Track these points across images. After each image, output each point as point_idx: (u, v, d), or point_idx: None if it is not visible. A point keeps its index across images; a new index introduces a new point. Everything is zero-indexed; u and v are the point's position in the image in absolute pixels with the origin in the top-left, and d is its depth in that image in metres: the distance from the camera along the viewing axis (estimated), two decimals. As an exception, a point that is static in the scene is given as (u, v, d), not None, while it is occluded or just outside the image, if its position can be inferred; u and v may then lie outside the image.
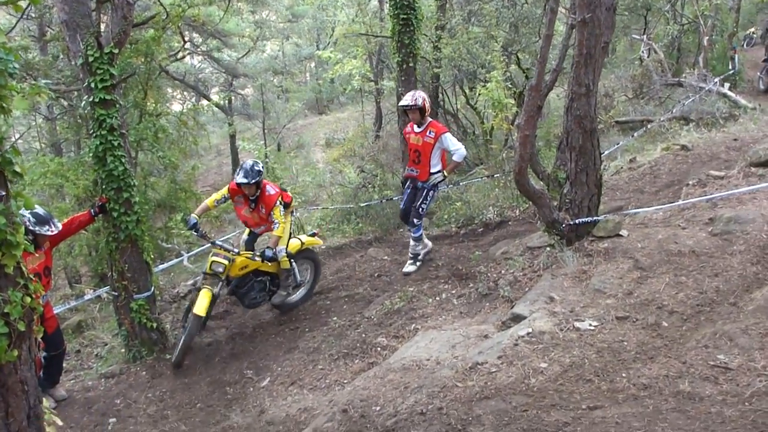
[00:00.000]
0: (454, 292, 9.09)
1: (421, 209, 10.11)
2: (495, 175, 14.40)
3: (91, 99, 8.54)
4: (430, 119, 9.97)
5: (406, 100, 9.90)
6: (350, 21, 24.04)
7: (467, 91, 20.89)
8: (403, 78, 14.11)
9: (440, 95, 20.25)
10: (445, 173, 10.17)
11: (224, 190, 9.55)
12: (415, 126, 10.03)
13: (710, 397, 4.96)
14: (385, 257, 11.71)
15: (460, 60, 18.70)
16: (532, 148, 9.75)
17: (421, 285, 9.70)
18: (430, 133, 9.86)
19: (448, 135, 9.99)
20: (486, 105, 18.50)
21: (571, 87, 8.01)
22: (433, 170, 9.96)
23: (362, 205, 14.53)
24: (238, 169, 9.32)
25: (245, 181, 9.02)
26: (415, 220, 10.14)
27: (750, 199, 8.66)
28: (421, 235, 10.42)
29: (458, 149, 9.87)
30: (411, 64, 14.07)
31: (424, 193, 10.03)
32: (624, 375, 5.51)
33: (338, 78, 29.20)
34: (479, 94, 16.29)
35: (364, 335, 8.51)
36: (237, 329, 10.03)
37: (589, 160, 7.93)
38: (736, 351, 5.49)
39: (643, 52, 24.37)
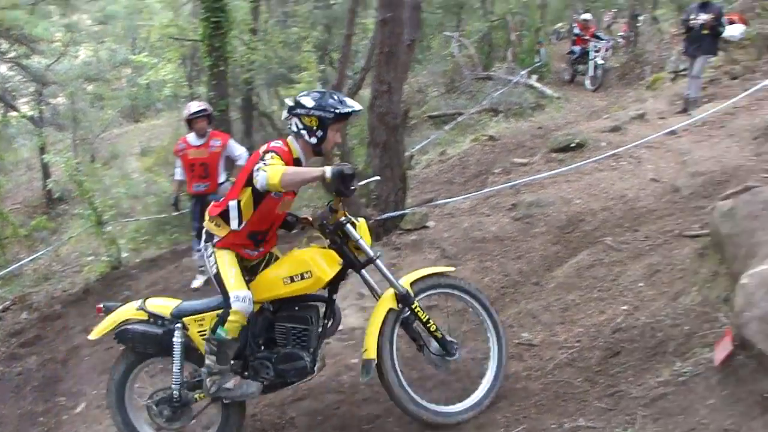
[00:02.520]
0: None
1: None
2: (312, 175, 14.47)
3: None
4: (209, 129, 9.61)
5: (197, 107, 9.51)
6: (164, 24, 23.47)
7: (282, 92, 20.91)
8: (213, 82, 13.94)
9: (254, 98, 20.19)
10: (233, 180, 10.02)
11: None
12: (190, 139, 9.60)
13: (516, 374, 5.21)
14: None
15: (272, 63, 18.67)
16: (343, 147, 9.88)
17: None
18: (214, 142, 9.52)
19: (233, 140, 9.83)
20: (301, 106, 18.55)
21: (373, 85, 8.17)
22: (221, 180, 9.68)
23: (175, 214, 14.09)
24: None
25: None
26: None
27: (550, 183, 9.11)
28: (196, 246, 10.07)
29: (242, 152, 9.64)
30: (222, 68, 13.92)
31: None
32: (436, 362, 5.67)
33: (153, 84, 28.46)
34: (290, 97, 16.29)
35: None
36: (48, 354, 9.39)
37: (393, 155, 8.11)
38: (539, 327, 5.80)
39: (454, 48, 25.13)
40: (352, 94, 10.53)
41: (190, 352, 4.90)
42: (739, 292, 4.12)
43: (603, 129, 11.37)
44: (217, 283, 4.77)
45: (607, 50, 21.06)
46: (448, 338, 4.99)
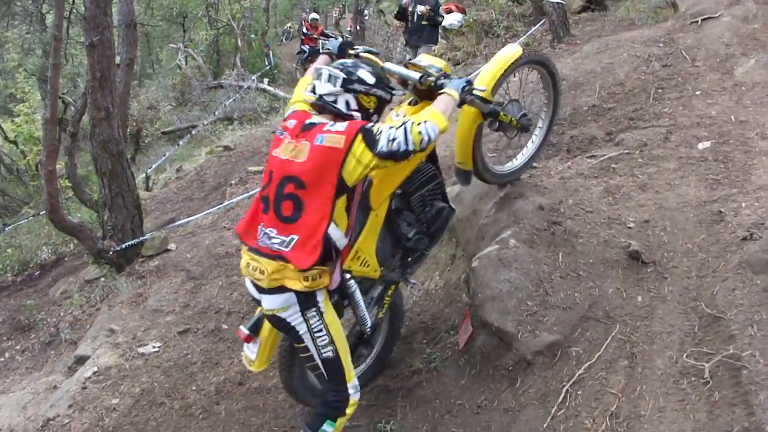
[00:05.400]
0: (18, 347, 8.45)
1: None
2: (41, 213, 13.69)
3: None
4: None
5: None
6: None
7: (6, 125, 19.63)
8: None
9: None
10: None
11: None
12: None
13: (274, 387, 5.15)
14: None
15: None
16: (74, 178, 9.38)
17: (-17, 350, 8.90)
18: None
19: None
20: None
21: (90, 113, 7.79)
22: None
23: None
24: None
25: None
26: None
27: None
28: None
29: None
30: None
31: None
32: (194, 388, 5.58)
33: None
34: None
35: (-70, 419, 7.56)
36: None
37: (122, 182, 7.81)
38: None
39: (180, 59, 24.68)
40: (76, 122, 9.97)
41: None
42: (472, 275, 4.32)
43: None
44: (328, 364, 3.77)
45: (335, 47, 21.41)
46: (527, 118, 4.75)
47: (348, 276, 3.96)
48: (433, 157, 4.39)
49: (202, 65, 23.31)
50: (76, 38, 18.08)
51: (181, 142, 16.40)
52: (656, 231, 4.51)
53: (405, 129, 3.42)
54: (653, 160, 5.64)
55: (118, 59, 8.68)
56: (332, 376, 3.76)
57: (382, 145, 3.42)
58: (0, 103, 18.40)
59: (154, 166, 14.47)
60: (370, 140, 3.43)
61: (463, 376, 4.24)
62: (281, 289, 3.57)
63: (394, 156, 3.45)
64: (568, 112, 7.73)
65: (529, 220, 4.58)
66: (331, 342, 3.67)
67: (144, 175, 13.56)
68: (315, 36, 20.89)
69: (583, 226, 4.56)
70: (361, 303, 4.09)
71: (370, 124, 3.52)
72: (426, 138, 3.45)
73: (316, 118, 3.64)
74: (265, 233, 3.63)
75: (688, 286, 4.04)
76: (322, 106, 3.67)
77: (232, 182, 10.56)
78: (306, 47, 21.52)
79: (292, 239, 3.51)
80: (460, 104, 3.94)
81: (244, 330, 4.02)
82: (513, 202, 4.79)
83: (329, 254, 3.58)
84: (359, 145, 3.41)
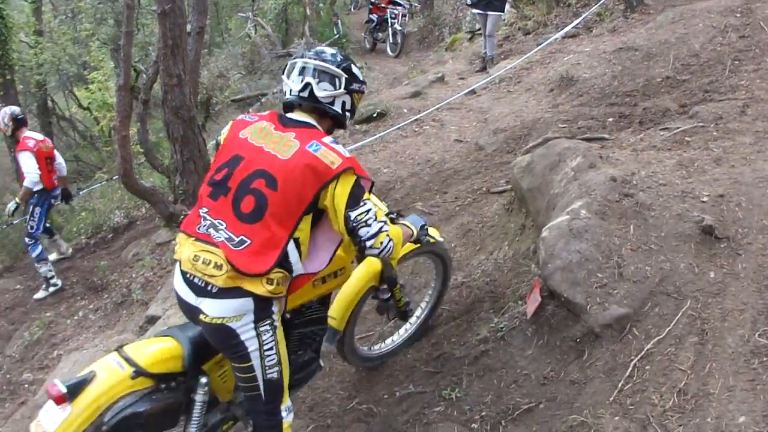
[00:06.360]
0: (91, 307, 8.69)
1: (29, 227, 9.09)
2: (114, 178, 13.96)
3: None
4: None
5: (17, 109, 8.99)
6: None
7: (80, 93, 20.08)
8: (1, 93, 13.16)
9: (50, 102, 19.27)
10: (17, 201, 9.19)
11: None
12: (35, 135, 9.06)
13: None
14: (18, 286, 10.78)
15: (63, 62, 17.87)
16: (146, 144, 9.54)
17: (58, 307, 9.11)
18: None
19: (24, 154, 8.66)
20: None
21: (162, 79, 7.92)
22: None
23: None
24: None
25: None
26: (26, 240, 9.15)
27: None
28: (40, 254, 9.33)
29: (28, 173, 8.60)
30: (8, 77, 13.18)
31: (30, 210, 9.08)
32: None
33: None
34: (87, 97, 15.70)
35: (8, 375, 7.80)
36: None
37: (193, 148, 7.94)
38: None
39: (249, 28, 24.79)
40: (147, 89, 10.15)
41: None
42: (541, 244, 4.29)
43: (404, 95, 11.49)
44: (270, 386, 3.23)
45: (404, 16, 21.26)
46: (410, 307, 4.50)
47: (204, 380, 3.33)
48: (324, 301, 3.81)
49: (270, 34, 23.35)
50: (148, 7, 18.33)
51: (250, 110, 16.50)
52: (731, 206, 4.41)
53: (380, 228, 3.07)
54: (729, 134, 5.50)
55: (188, 27, 8.76)
56: (270, 398, 3.26)
57: (358, 214, 3.01)
58: (75, 71, 18.72)
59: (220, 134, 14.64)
60: (355, 196, 3.02)
61: (530, 347, 4.21)
62: (237, 292, 2.99)
63: (352, 236, 3.05)
64: (641, 84, 7.58)
65: (601, 191, 4.52)
66: (279, 362, 3.20)
67: (214, 141, 13.65)
68: (383, 5, 20.70)
69: (656, 199, 4.48)
70: (197, 419, 3.35)
71: (364, 181, 3.08)
72: (380, 252, 3.11)
73: (298, 115, 3.25)
74: (212, 223, 3.07)
75: (763, 263, 3.95)
76: (312, 107, 3.25)
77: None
78: (374, 16, 21.36)
79: (243, 241, 2.98)
80: (416, 241, 3.75)
81: (60, 387, 2.94)
82: (585, 173, 4.73)
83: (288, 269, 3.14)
84: (344, 187, 3.00)
